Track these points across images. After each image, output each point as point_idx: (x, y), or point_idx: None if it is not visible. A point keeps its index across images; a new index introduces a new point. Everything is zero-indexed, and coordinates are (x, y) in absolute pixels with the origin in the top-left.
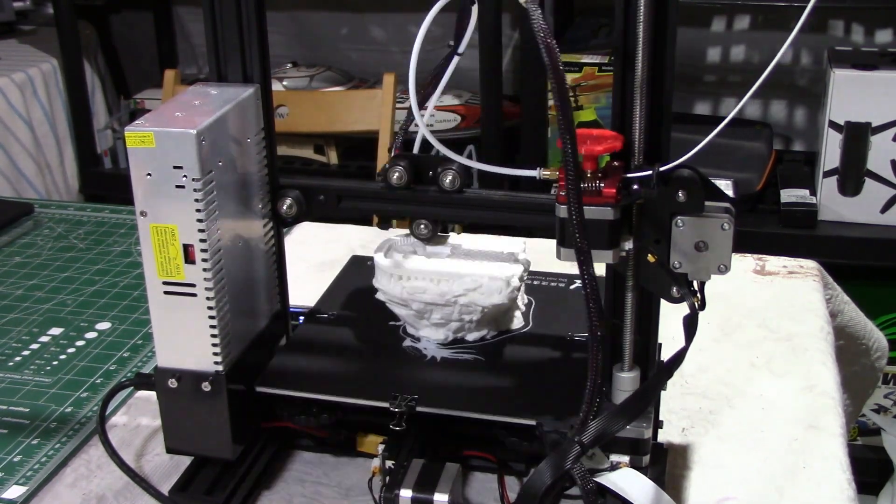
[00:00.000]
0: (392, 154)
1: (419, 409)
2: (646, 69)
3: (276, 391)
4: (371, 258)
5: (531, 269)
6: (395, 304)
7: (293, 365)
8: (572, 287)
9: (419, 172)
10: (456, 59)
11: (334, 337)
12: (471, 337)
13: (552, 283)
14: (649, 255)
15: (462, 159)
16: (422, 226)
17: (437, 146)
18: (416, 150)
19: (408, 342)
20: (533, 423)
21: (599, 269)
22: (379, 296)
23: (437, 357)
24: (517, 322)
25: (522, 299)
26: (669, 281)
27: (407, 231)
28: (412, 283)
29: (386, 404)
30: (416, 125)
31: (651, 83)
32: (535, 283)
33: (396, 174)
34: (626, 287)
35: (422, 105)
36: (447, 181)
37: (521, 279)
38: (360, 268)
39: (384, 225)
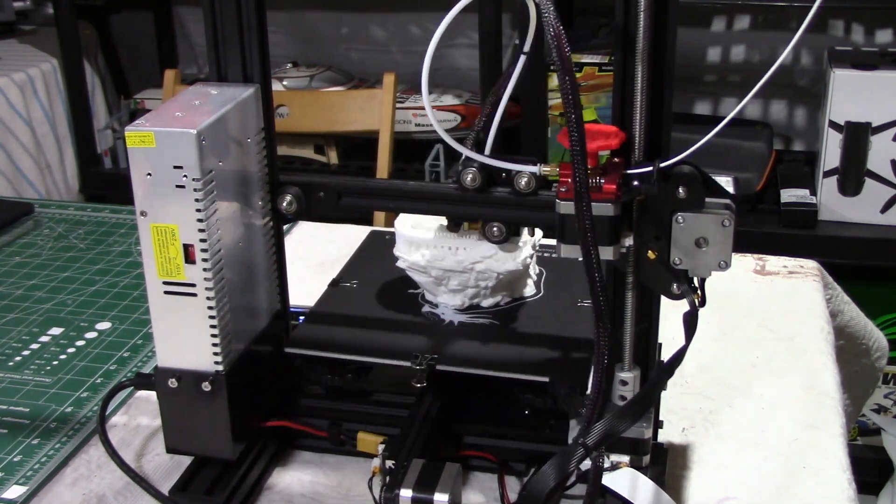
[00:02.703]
0: (463, 157)
1: (439, 367)
2: (646, 66)
3: (305, 352)
4: (389, 233)
5: (542, 241)
6: (414, 271)
7: (319, 329)
8: (580, 259)
9: (491, 175)
10: (522, 58)
11: (357, 303)
12: (486, 303)
13: None
14: (649, 251)
15: (473, 154)
16: (494, 228)
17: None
18: (487, 151)
19: (426, 308)
20: (546, 379)
21: None
22: (399, 263)
23: (454, 321)
24: (529, 289)
25: (534, 269)
26: (670, 277)
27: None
28: (431, 251)
29: (408, 363)
30: (417, 125)
31: (651, 79)
32: (546, 255)
33: (470, 176)
34: (626, 285)
35: (496, 106)
36: (522, 183)
37: (533, 247)
38: (379, 242)
39: (454, 227)
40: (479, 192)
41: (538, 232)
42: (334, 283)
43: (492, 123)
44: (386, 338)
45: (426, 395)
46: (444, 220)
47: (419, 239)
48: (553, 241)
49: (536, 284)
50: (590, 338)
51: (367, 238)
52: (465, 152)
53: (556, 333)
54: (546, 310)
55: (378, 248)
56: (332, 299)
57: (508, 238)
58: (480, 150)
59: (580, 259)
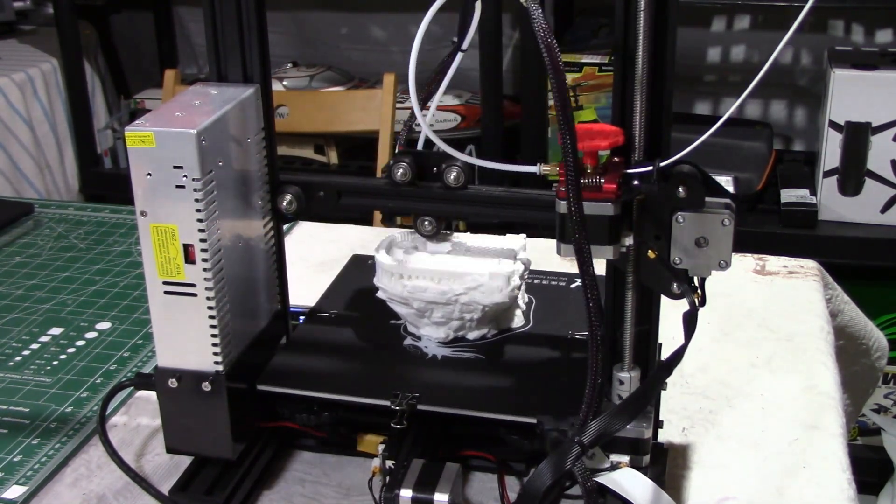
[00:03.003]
0: (396, 151)
1: (420, 407)
2: (646, 65)
3: (277, 389)
4: (371, 257)
5: (531, 268)
6: (396, 302)
7: (294, 363)
8: (573, 286)
9: (423, 169)
10: (460, 55)
11: (335, 336)
12: (471, 335)
13: (552, 282)
14: (649, 251)
15: (462, 156)
16: (426, 222)
17: (438, 143)
18: (419, 146)
19: (408, 341)
20: (533, 421)
21: (599, 266)
22: (380, 294)
23: (437, 356)
24: (518, 321)
25: (523, 298)
26: (670, 277)
27: (410, 228)
28: (413, 282)
29: (387, 402)
30: (418, 124)
31: (651, 79)
32: (536, 282)
33: (401, 170)
34: (626, 285)
35: (425, 103)
36: (451, 178)
37: (521, 278)
38: (360, 267)
39: (388, 221)
40: (410, 186)
41: (527, 260)
42: (311, 314)
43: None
44: (365, 373)
45: (406, 435)
46: (437, 249)
47: (400, 269)
48: (541, 267)
49: (525, 315)
50: (581, 373)
51: (348, 263)
52: (459, 156)
53: (545, 369)
54: (535, 343)
55: (359, 275)
56: (310, 331)
57: (439, 233)
58: (413, 146)
59: (572, 286)
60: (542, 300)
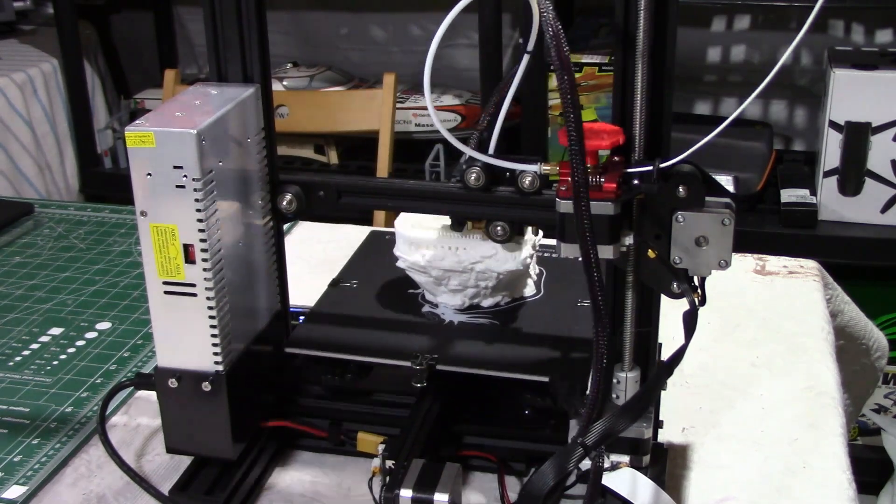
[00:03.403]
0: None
1: (439, 367)
2: (646, 65)
3: (305, 351)
4: (388, 233)
5: (542, 241)
6: (414, 271)
7: (319, 329)
8: (580, 259)
9: (495, 174)
10: (526, 57)
11: (357, 304)
12: (486, 303)
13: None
14: (649, 250)
15: (476, 153)
16: (498, 228)
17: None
18: (491, 151)
19: (427, 308)
20: (545, 379)
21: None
22: (399, 263)
23: (454, 321)
24: (530, 289)
25: (534, 269)
26: (670, 276)
27: (479, 233)
28: (431, 252)
29: (408, 363)
30: (419, 123)
31: (651, 78)
32: (546, 254)
33: (474, 175)
34: (626, 284)
35: (499, 105)
36: (526, 182)
37: (533, 247)
38: (378, 242)
39: (457, 226)
40: (483, 192)
41: (539, 232)
42: (334, 284)
43: (496, 123)
44: (386, 338)
45: (426, 394)
46: (446, 220)
47: (419, 239)
48: (553, 241)
49: (536, 284)
50: (590, 337)
51: (367, 238)
52: (469, 151)
53: (556, 333)
54: (546, 310)
55: (378, 249)
56: (332, 299)
57: (512, 237)
58: (484, 150)
59: (580, 258)
60: (553, 271)
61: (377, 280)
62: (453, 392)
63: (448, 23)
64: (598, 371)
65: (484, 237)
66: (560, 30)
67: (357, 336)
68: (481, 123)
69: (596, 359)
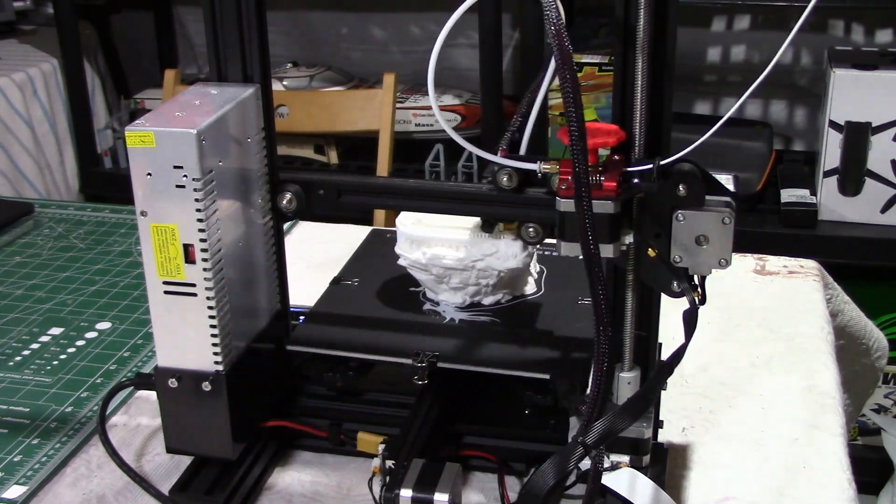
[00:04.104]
0: (499, 154)
1: (440, 364)
2: (646, 63)
3: (306, 349)
4: (390, 232)
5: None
6: (415, 269)
7: (321, 327)
8: (580, 257)
9: (528, 175)
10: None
11: (358, 302)
12: (487, 301)
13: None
14: (650, 249)
15: (476, 150)
16: (531, 229)
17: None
18: (522, 151)
19: (428, 306)
20: (547, 376)
21: None
22: (401, 261)
23: (455, 319)
24: (530, 287)
25: (535, 267)
26: (670, 275)
27: (512, 235)
28: (433, 249)
29: (409, 360)
30: (419, 123)
31: (652, 76)
32: (547, 253)
33: (506, 176)
34: (626, 284)
35: (531, 107)
36: (557, 183)
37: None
38: (380, 240)
39: (488, 227)
40: (515, 193)
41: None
42: (335, 282)
43: (526, 124)
44: (387, 335)
45: (427, 393)
46: (454, 220)
47: (420, 237)
48: (551, 240)
49: (537, 282)
50: (590, 336)
51: (367, 237)
52: (476, 151)
53: (557, 331)
54: (547, 308)
55: (379, 247)
56: (334, 297)
57: (544, 238)
58: (515, 151)
59: (580, 257)
60: (553, 269)
61: (378, 278)
62: (455, 389)
63: (451, 24)
64: (599, 370)
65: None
66: (563, 25)
67: (358, 334)
68: (513, 124)
69: (597, 358)
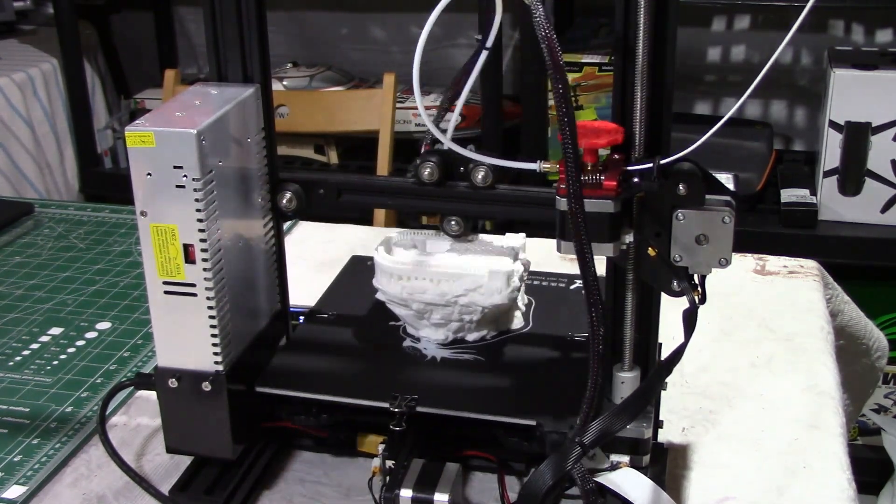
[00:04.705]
0: (423, 150)
1: (419, 409)
2: (646, 62)
3: (276, 391)
4: (371, 258)
5: (531, 269)
6: (395, 304)
7: (293, 365)
8: (572, 287)
9: (449, 168)
10: (485, 53)
11: (334, 337)
12: (471, 337)
13: (552, 284)
14: (650, 248)
15: (465, 152)
16: (453, 222)
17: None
18: (446, 146)
19: (408, 342)
20: (533, 423)
21: (599, 265)
22: (379, 296)
23: (437, 357)
24: (517, 322)
25: (522, 299)
26: (670, 274)
27: (435, 228)
28: (412, 283)
29: (386, 404)
30: (419, 123)
31: (652, 76)
32: (536, 283)
33: (427, 170)
34: (626, 283)
35: (453, 101)
36: (479, 177)
37: (521, 279)
38: (360, 268)
39: (413, 221)
40: (437, 186)
41: (527, 261)
42: (311, 314)
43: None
44: (364, 375)
45: (406, 436)
46: (436, 253)
47: (399, 270)
48: (543, 269)
49: (525, 316)
50: (581, 375)
51: (347, 264)
52: (468, 154)
53: (545, 371)
54: (535, 344)
55: (359, 275)
56: (309, 332)
57: (467, 232)
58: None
59: (570, 287)
60: (542, 301)
61: (356, 311)
62: (435, 433)
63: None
64: (595, 368)
65: (465, 260)
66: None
67: (333, 373)
68: (437, 119)
69: (592, 356)
